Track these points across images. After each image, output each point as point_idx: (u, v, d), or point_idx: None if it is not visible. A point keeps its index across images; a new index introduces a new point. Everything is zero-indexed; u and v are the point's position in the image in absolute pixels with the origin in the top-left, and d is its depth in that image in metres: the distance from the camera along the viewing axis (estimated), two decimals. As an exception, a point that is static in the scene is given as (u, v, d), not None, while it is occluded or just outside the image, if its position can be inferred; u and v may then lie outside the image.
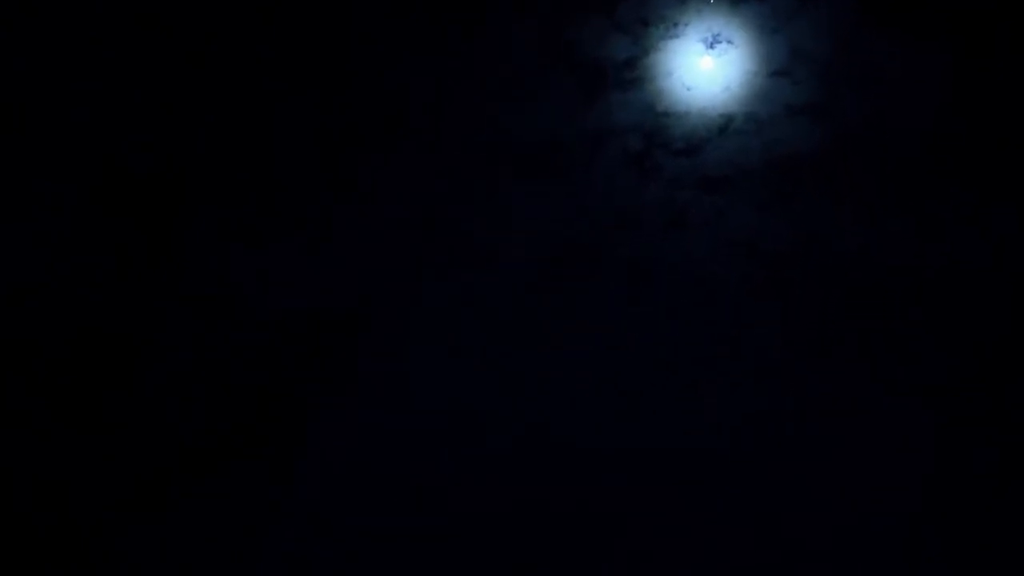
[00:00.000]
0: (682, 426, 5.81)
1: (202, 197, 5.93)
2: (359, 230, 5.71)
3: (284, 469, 5.68)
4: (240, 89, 6.03)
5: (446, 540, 5.78)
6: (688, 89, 5.82)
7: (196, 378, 5.82)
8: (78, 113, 5.99)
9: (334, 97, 6.03)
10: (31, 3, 5.88)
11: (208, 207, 5.94)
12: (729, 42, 5.66)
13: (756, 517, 5.87)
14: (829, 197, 5.51)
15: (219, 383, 5.86)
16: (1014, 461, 5.29)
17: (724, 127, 5.54)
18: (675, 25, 5.64)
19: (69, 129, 5.94)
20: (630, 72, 5.88)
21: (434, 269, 5.83)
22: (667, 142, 5.64)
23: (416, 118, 5.77)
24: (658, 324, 5.75)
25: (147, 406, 5.77)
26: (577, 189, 5.70)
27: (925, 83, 5.37)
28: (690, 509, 5.84)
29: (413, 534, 5.81)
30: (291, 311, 5.75)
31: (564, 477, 5.95)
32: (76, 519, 5.53)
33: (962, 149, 5.33)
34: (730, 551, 5.83)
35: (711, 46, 5.68)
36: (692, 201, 5.67)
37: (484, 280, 5.80)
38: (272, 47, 6.06)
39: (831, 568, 5.75)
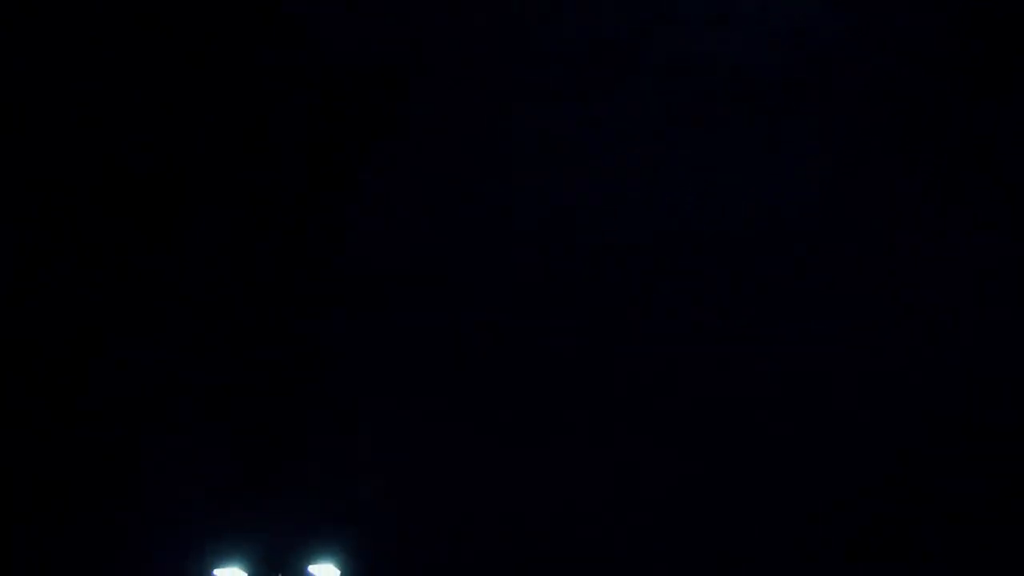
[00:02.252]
0: (716, 214, 5.66)
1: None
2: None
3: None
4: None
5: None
6: None
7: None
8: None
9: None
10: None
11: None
12: None
13: (768, 298, 5.77)
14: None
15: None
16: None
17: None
18: None
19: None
20: None
21: (459, 82, 5.66)
22: (713, -68, 5.49)
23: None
24: (699, 121, 5.55)
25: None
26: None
27: None
28: (703, 295, 5.77)
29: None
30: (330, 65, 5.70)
31: (591, 259, 5.87)
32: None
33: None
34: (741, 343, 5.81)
35: None
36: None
37: (515, 81, 5.61)
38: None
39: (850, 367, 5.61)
